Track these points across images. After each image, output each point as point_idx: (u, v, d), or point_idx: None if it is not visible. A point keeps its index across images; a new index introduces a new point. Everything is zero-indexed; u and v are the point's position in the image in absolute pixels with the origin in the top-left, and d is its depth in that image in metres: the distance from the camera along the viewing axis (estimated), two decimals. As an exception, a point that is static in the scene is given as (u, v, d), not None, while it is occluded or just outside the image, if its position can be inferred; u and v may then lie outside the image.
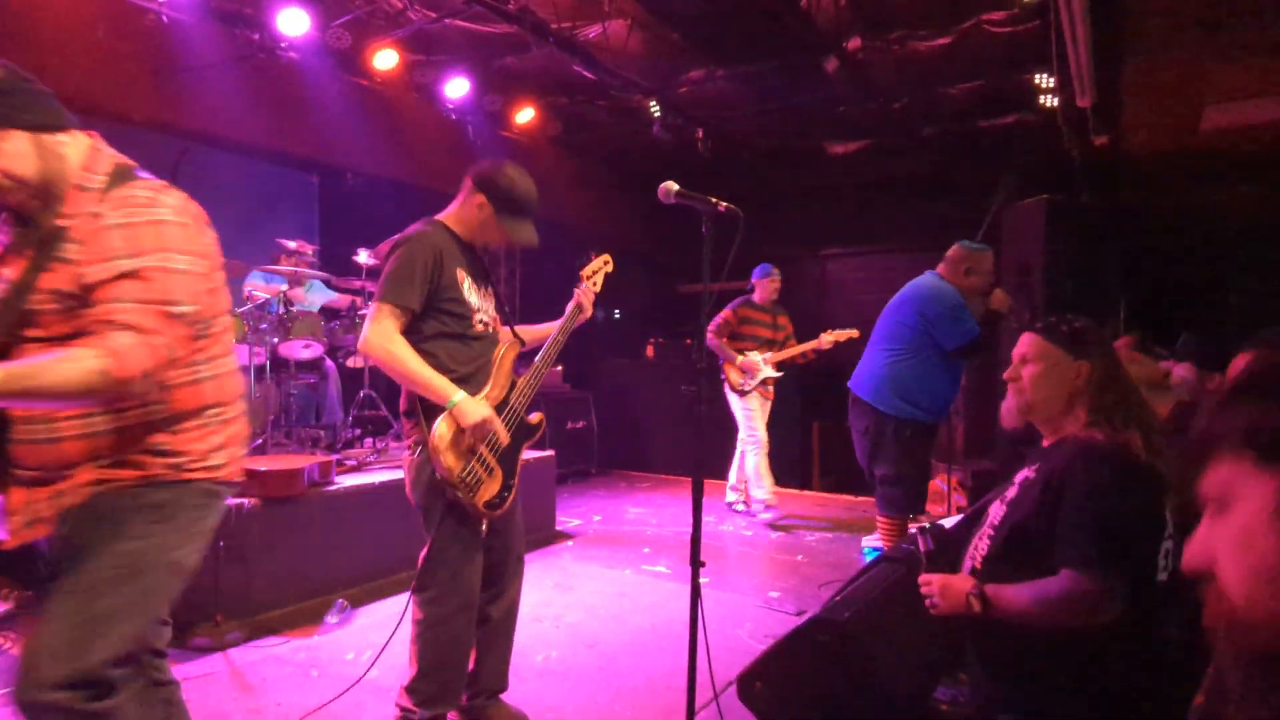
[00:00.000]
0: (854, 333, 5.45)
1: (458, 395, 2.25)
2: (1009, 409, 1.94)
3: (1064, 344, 1.85)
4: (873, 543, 4.92)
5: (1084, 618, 1.59)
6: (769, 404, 5.82)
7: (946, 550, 1.93)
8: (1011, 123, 6.57)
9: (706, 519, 5.76)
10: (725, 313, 5.74)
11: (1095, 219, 5.83)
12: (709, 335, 5.65)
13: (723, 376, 5.77)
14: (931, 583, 1.83)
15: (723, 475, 6.10)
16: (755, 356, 5.63)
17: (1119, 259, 6.29)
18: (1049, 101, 5.65)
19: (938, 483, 5.61)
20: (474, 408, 2.26)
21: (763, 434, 5.68)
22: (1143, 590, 1.61)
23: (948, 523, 2.42)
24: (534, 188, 2.46)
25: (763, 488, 5.66)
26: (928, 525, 2.11)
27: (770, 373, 5.68)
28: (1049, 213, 4.93)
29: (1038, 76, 5.49)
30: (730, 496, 5.99)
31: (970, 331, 3.81)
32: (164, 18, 4.78)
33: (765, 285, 5.75)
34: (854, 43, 5.35)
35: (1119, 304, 6.40)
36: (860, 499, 6.63)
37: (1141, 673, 1.61)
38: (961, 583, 1.77)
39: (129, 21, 4.79)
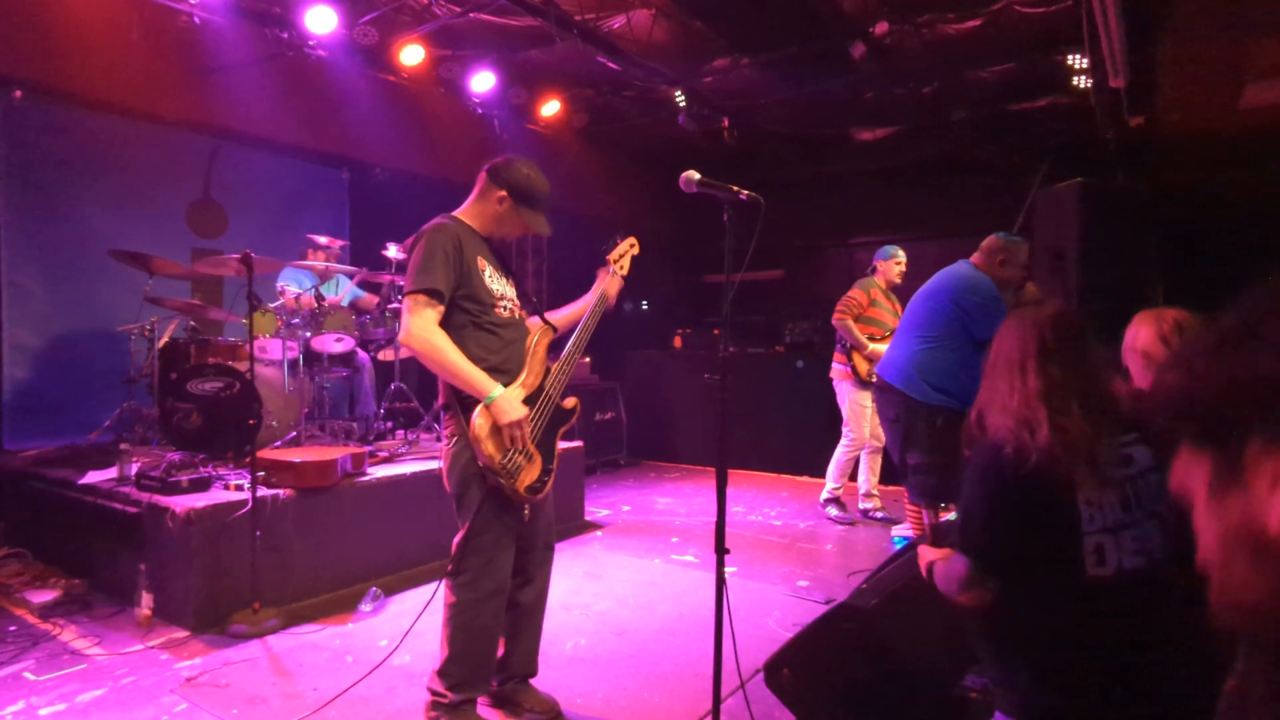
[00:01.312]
0: None
1: (495, 391, 2.30)
2: None
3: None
4: (903, 531, 4.89)
5: (954, 594, 1.68)
6: None
7: None
8: (1044, 105, 6.44)
9: (735, 509, 5.81)
10: (855, 291, 5.29)
11: (1131, 202, 5.69)
12: (837, 316, 5.25)
13: (842, 365, 5.37)
14: (921, 551, 1.93)
15: (749, 465, 6.04)
16: (882, 347, 5.14)
17: (1156, 242, 6.14)
18: (1082, 83, 5.53)
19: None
20: (510, 407, 2.30)
21: (866, 432, 5.36)
22: (1065, 583, 1.58)
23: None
24: (547, 181, 2.54)
25: (838, 484, 5.45)
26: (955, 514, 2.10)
27: None
28: (1083, 196, 4.82)
29: (1070, 57, 5.38)
30: (864, 504, 5.52)
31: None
32: (196, 19, 4.88)
33: (889, 267, 5.33)
34: (881, 27, 5.28)
35: (1157, 288, 6.25)
36: (891, 488, 6.57)
37: (1086, 666, 1.58)
38: (929, 553, 1.85)
39: (162, 23, 4.89)
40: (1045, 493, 1.56)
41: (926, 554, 1.86)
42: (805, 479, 7.02)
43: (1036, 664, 1.62)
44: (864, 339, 5.21)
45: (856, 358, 5.27)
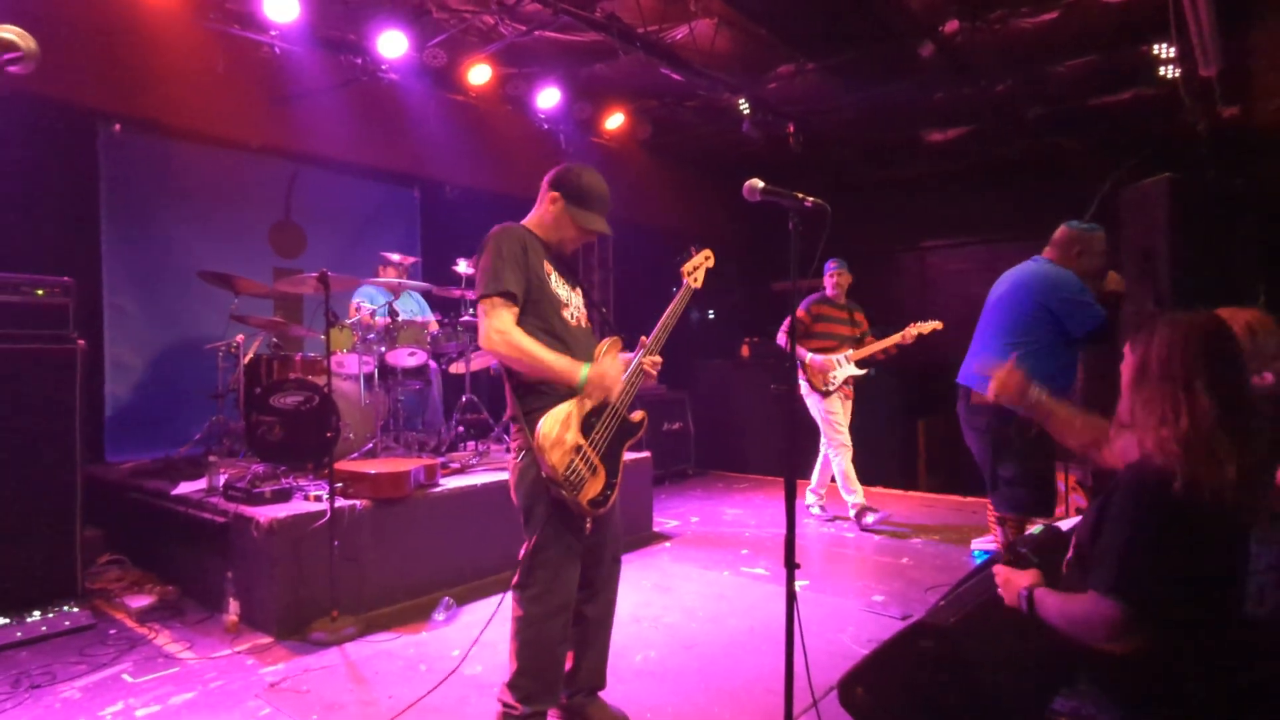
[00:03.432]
0: (938, 324, 5.31)
1: (584, 370, 2.33)
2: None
3: (1131, 336, 1.69)
4: (984, 545, 4.71)
5: (1100, 641, 1.52)
6: (849, 403, 5.67)
7: (1055, 550, 1.84)
8: (1127, 99, 6.16)
9: (807, 521, 5.71)
10: (798, 311, 5.49)
11: (1226, 197, 5.37)
12: (780, 336, 5.61)
13: (802, 378, 5.62)
14: (999, 574, 1.82)
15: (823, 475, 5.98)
16: (836, 355, 5.50)
17: (1255, 240, 5.78)
18: (1169, 73, 5.27)
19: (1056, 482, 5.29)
20: (604, 370, 2.35)
21: (847, 436, 5.52)
22: (1218, 623, 1.46)
23: (1065, 524, 2.29)
24: (605, 186, 2.54)
25: (854, 492, 5.48)
26: (1040, 526, 2.01)
27: (853, 370, 5.53)
28: (1173, 192, 4.58)
29: (1156, 47, 5.13)
30: (809, 499, 5.80)
31: (1098, 315, 3.60)
32: (276, 49, 5.11)
33: (829, 281, 5.65)
34: (951, 26, 5.14)
35: (1257, 289, 5.87)
36: (968, 499, 6.36)
37: (1224, 704, 1.47)
38: (1020, 579, 1.74)
39: (245, 54, 5.14)
40: (1217, 529, 1.42)
41: (1012, 578, 1.74)
42: (879, 489, 6.85)
43: (1162, 703, 1.51)
44: (802, 351, 5.50)
45: (812, 371, 5.52)
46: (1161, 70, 5.30)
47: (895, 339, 5.44)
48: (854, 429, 6.32)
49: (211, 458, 4.33)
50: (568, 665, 2.56)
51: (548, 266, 2.46)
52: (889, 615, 3.72)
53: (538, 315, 2.41)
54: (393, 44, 5.09)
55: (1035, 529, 2.08)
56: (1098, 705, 1.78)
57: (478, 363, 5.29)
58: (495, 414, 5.36)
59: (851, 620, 3.66)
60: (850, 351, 5.53)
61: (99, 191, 5.04)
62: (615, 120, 6.85)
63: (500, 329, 2.30)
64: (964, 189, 7.81)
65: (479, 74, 5.73)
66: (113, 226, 5.10)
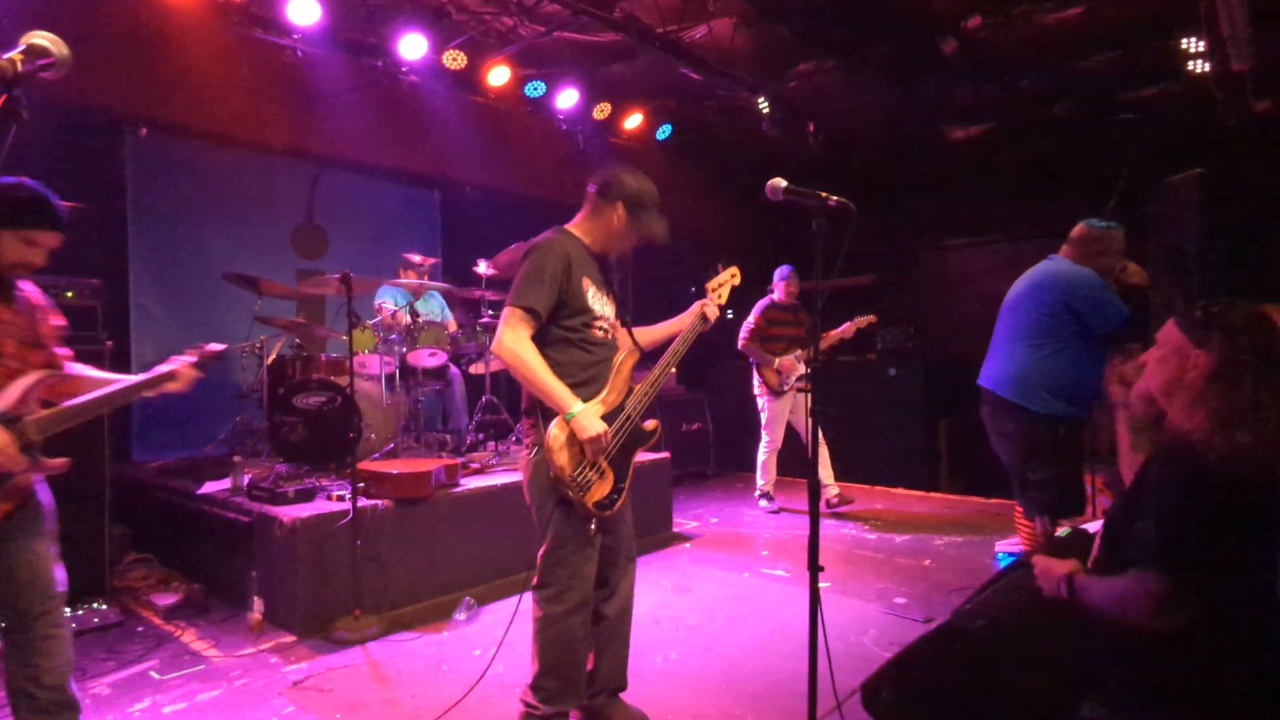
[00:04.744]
0: (873, 318, 5.90)
1: (576, 407, 2.32)
2: (1137, 392, 1.81)
3: (1188, 330, 1.69)
4: (1007, 547, 4.66)
5: (1150, 617, 1.53)
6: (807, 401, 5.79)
7: (1082, 554, 1.82)
8: (1155, 94, 6.06)
9: (828, 522, 5.67)
10: (754, 318, 5.91)
11: (1261, 195, 5.26)
12: (741, 341, 5.89)
13: (757, 379, 5.97)
14: (1038, 564, 1.83)
15: (841, 476, 5.97)
16: (787, 357, 5.84)
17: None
18: (1198, 68, 5.17)
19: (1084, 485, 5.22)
20: (590, 422, 2.32)
21: (779, 437, 5.91)
22: (1250, 598, 1.47)
23: (1092, 527, 2.26)
24: (652, 185, 2.58)
25: (765, 481, 6.02)
26: (1067, 529, 1.98)
27: (802, 369, 5.85)
28: (1203, 189, 4.49)
29: (1185, 41, 5.04)
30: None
31: (1121, 313, 3.55)
32: (299, 53, 5.16)
33: (781, 287, 5.93)
34: (973, 21, 5.08)
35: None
36: (991, 501, 6.29)
37: (1262, 681, 1.47)
38: (1060, 567, 1.75)
39: (269, 59, 5.19)
40: (1248, 502, 1.46)
41: (1051, 567, 1.74)
42: (900, 490, 6.80)
43: (1200, 691, 1.51)
44: (770, 356, 5.82)
45: (765, 372, 5.86)
46: (1190, 65, 5.21)
47: (835, 334, 5.83)
48: (874, 429, 6.38)
49: (236, 457, 4.37)
50: (588, 665, 2.56)
51: (587, 281, 2.47)
52: (911, 618, 3.68)
53: (570, 327, 2.44)
54: (413, 46, 5.12)
55: (1063, 532, 2.05)
56: (1126, 712, 1.76)
57: (497, 363, 5.31)
58: (515, 415, 5.37)
59: (874, 623, 3.63)
60: (799, 352, 5.87)
61: (125, 194, 5.11)
62: (634, 121, 6.85)
63: (513, 341, 2.33)
64: (987, 187, 7.71)
65: (498, 75, 5.75)
66: (139, 229, 5.17)
